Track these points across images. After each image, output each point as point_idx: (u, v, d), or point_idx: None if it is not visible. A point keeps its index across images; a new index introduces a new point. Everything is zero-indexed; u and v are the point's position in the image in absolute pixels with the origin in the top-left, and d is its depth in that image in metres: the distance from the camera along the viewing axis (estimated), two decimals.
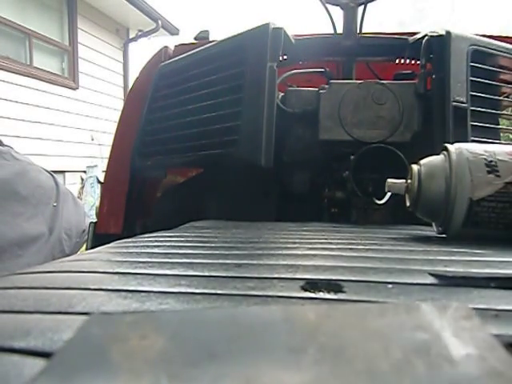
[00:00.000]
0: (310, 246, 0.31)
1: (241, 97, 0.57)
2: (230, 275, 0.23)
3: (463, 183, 0.36)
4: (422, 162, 0.39)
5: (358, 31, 0.70)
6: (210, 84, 0.62)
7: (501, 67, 0.63)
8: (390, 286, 0.21)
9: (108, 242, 0.39)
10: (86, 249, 0.97)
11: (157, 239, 0.37)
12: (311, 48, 0.71)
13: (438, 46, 0.59)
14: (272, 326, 0.12)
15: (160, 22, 5.74)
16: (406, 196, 0.39)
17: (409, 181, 0.39)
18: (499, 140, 0.62)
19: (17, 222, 1.00)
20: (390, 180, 0.40)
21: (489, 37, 0.65)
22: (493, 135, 0.60)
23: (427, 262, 0.26)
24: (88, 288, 0.21)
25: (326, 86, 0.59)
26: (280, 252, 0.29)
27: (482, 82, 0.58)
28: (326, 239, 0.35)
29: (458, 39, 0.58)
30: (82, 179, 4.82)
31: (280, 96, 0.62)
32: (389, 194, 0.42)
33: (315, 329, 0.11)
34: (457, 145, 0.39)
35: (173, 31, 6.19)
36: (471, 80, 0.57)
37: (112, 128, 1.14)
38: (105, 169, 0.94)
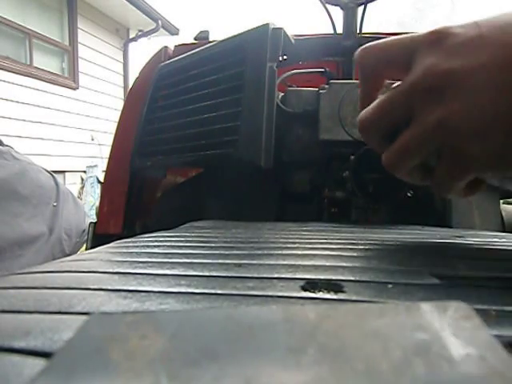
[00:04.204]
0: (310, 246, 0.31)
1: (241, 97, 0.57)
2: (230, 275, 0.23)
3: None
4: None
5: (358, 31, 0.70)
6: (210, 84, 0.62)
7: None
8: (389, 285, 0.21)
9: (108, 242, 0.39)
10: (86, 249, 0.97)
11: (157, 239, 0.37)
12: (311, 48, 0.71)
13: None
14: (272, 325, 0.12)
15: (160, 22, 5.74)
16: None
17: None
18: None
19: (17, 222, 1.00)
20: None
21: None
22: None
23: (427, 261, 0.26)
24: (88, 288, 0.21)
25: (326, 86, 0.59)
26: (280, 252, 0.29)
27: None
28: (325, 239, 0.35)
29: None
30: (82, 179, 4.83)
31: (280, 96, 0.62)
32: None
33: (315, 329, 0.11)
34: None
35: (173, 31, 6.19)
36: None
37: (112, 128, 1.14)
38: (105, 169, 0.94)
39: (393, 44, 0.32)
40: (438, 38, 0.29)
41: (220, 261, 0.27)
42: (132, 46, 5.99)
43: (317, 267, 0.24)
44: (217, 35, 0.80)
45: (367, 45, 0.33)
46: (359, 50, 0.34)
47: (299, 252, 0.29)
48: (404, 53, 0.31)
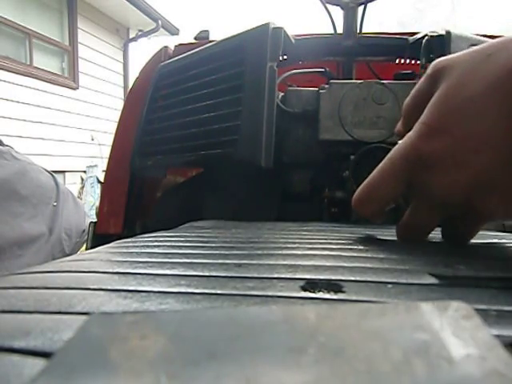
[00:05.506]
0: (310, 246, 0.31)
1: (241, 97, 0.57)
2: (230, 275, 0.23)
3: None
4: None
5: (358, 31, 0.70)
6: (210, 84, 0.62)
7: None
8: (389, 285, 0.21)
9: (108, 242, 0.39)
10: (86, 249, 0.97)
11: (157, 239, 0.37)
12: (311, 48, 0.71)
13: (438, 45, 0.59)
14: (272, 326, 0.12)
15: (160, 22, 5.74)
16: None
17: None
18: None
19: (17, 222, 1.00)
20: None
21: (489, 37, 0.65)
22: None
23: (427, 261, 0.26)
24: (88, 288, 0.21)
25: (326, 86, 0.59)
26: (280, 252, 0.29)
27: None
28: (325, 239, 0.35)
29: (458, 39, 0.58)
30: (82, 179, 4.83)
31: (280, 96, 0.62)
32: None
33: (315, 329, 0.11)
34: None
35: (173, 31, 6.20)
36: None
37: (112, 128, 1.14)
38: (105, 169, 0.94)
39: (381, 177, 0.33)
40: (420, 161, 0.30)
41: (220, 261, 0.27)
42: (132, 45, 5.99)
43: (317, 267, 0.24)
44: (217, 35, 0.80)
45: (356, 195, 0.33)
46: (353, 203, 0.34)
47: (299, 252, 0.29)
48: (398, 177, 0.32)
